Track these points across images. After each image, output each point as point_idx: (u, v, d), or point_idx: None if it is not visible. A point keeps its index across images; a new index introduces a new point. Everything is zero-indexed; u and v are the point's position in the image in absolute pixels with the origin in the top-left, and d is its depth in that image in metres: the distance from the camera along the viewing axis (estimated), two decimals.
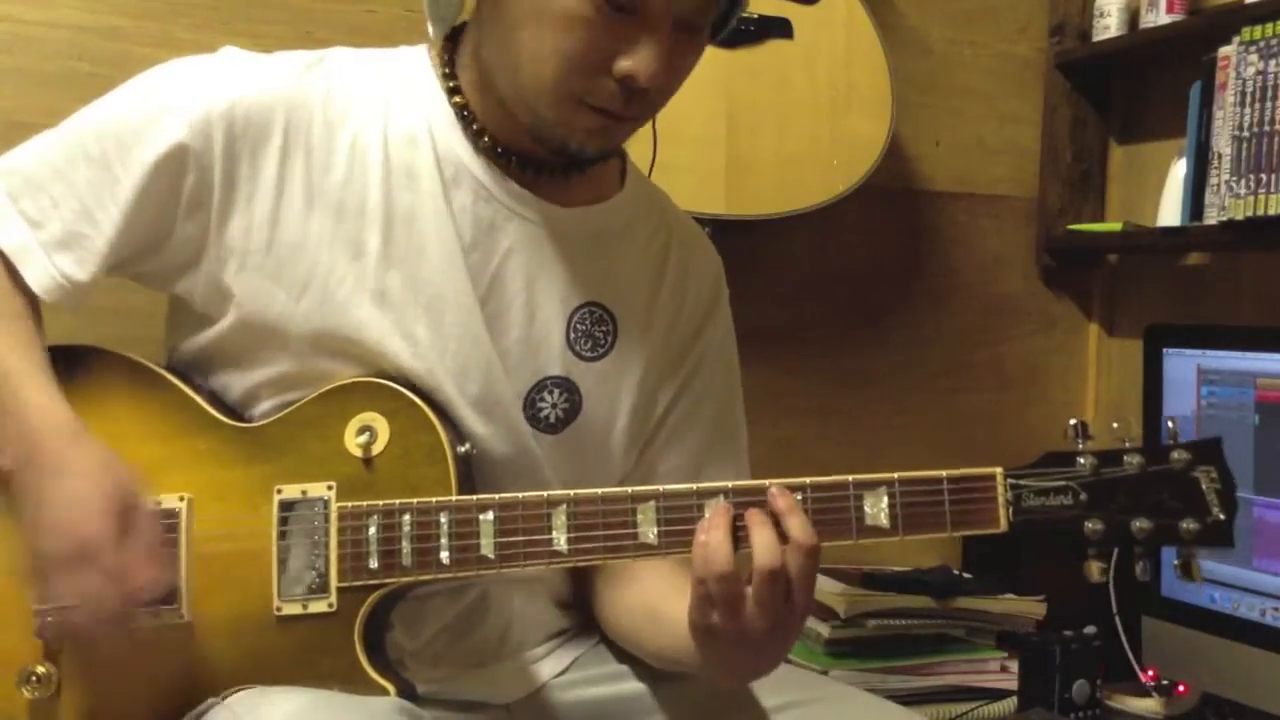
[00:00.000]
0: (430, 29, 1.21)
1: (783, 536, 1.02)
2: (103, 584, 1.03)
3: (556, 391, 1.23)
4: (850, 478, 1.06)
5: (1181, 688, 1.93)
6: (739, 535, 1.03)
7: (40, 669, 1.11)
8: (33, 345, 1.15)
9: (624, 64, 1.09)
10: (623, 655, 1.30)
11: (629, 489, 1.09)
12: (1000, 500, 1.06)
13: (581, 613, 1.36)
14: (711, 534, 1.02)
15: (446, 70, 1.21)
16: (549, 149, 1.16)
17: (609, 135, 1.16)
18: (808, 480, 1.07)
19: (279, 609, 1.10)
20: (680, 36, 1.11)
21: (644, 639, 1.23)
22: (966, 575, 2.03)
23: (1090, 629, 1.90)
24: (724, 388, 1.34)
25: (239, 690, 1.09)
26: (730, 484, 1.07)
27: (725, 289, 1.36)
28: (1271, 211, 1.82)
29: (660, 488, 1.09)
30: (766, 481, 1.06)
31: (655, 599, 1.21)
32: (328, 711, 1.05)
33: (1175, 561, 1.06)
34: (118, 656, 1.08)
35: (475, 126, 1.19)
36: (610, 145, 1.19)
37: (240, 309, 1.16)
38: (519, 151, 1.19)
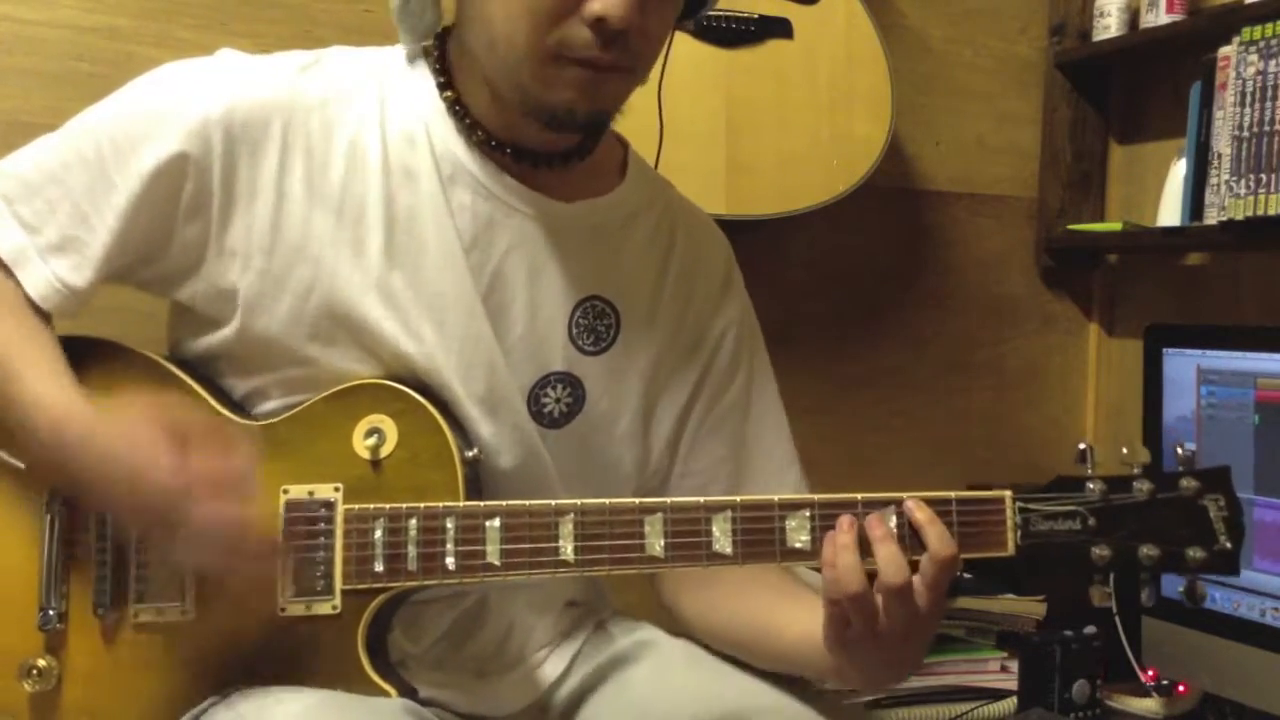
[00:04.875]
0: (402, 38, 1.21)
1: (919, 546, 1.04)
2: (211, 516, 1.01)
3: (560, 386, 1.22)
4: (859, 496, 1.06)
5: (1181, 688, 1.93)
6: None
7: (41, 662, 1.12)
8: (38, 334, 1.14)
9: (593, 6, 1.07)
10: (629, 624, 1.31)
11: (637, 500, 1.09)
12: (1009, 523, 1.06)
13: (587, 606, 1.35)
14: (841, 556, 1.03)
15: (438, 66, 1.20)
16: (542, 121, 1.14)
17: (596, 90, 1.13)
18: (815, 497, 1.07)
19: (283, 609, 1.10)
20: None
21: (759, 648, 1.22)
22: (966, 575, 2.03)
23: (1090, 629, 1.91)
24: (750, 370, 1.33)
25: (240, 690, 1.09)
26: (738, 499, 1.08)
27: (737, 273, 1.35)
28: (1271, 211, 1.82)
29: (668, 500, 1.09)
30: (775, 497, 1.07)
31: (765, 608, 1.21)
32: (334, 712, 1.05)
33: (1180, 589, 1.07)
34: (265, 566, 1.08)
35: (469, 120, 1.18)
36: (600, 103, 1.16)
37: (246, 312, 1.15)
38: (514, 143, 1.18)
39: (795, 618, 1.13)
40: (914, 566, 1.04)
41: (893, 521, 1.05)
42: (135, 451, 1.02)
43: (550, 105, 1.13)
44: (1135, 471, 1.07)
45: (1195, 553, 1.05)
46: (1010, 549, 1.06)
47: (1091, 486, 1.06)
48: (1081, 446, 1.08)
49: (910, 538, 1.05)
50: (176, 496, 1.01)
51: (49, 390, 1.09)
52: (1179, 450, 1.08)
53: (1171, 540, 1.05)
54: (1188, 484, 1.06)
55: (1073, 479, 1.07)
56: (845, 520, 1.05)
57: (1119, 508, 1.06)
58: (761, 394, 1.34)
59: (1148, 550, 1.05)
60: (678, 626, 1.31)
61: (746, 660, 1.24)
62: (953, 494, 1.06)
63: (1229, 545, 1.05)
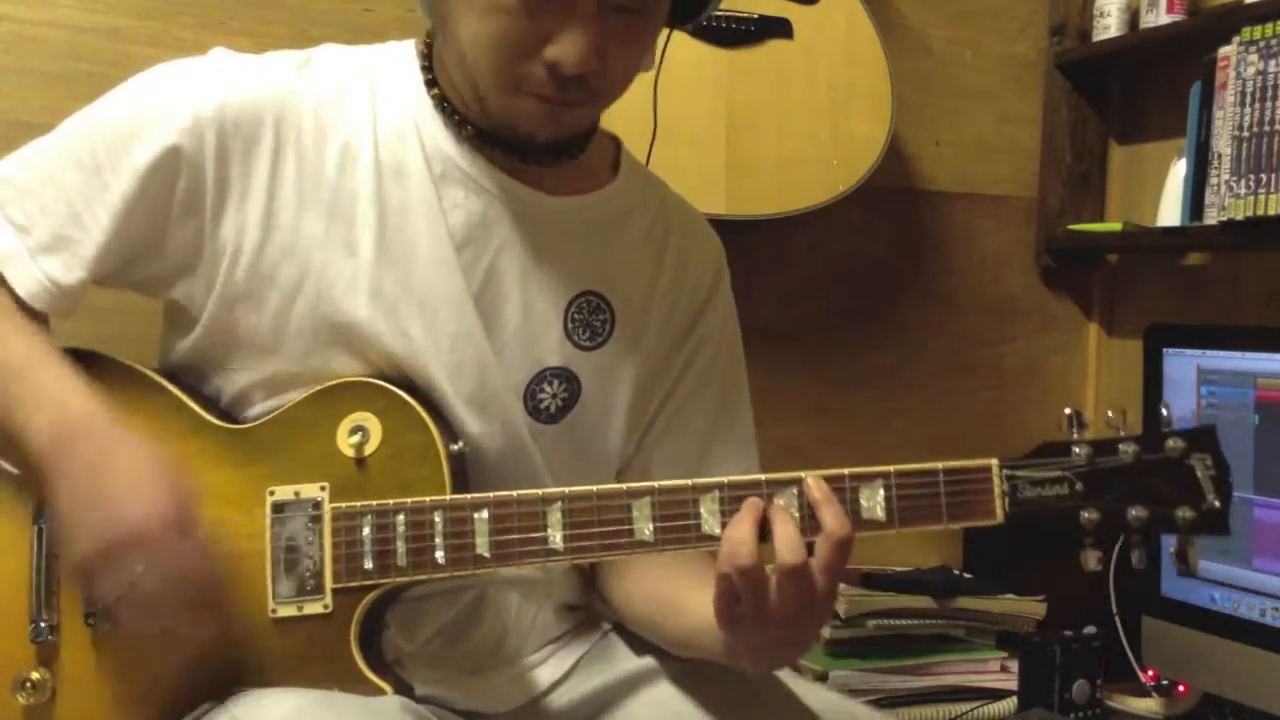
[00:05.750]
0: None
1: (815, 526, 1.02)
2: (162, 576, 1.01)
3: (556, 382, 1.23)
4: (846, 471, 1.06)
5: (1181, 688, 1.93)
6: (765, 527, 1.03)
7: (35, 675, 1.11)
8: (38, 335, 1.14)
9: (550, 52, 1.08)
10: (634, 644, 1.30)
11: (624, 485, 1.09)
12: (996, 491, 1.05)
13: (586, 612, 1.35)
14: (736, 529, 1.02)
15: (426, 63, 1.21)
16: (505, 136, 1.16)
17: (556, 121, 1.14)
18: (801, 475, 1.06)
19: (274, 611, 1.10)
20: (617, 20, 1.10)
21: (665, 626, 1.23)
22: (966, 575, 2.03)
23: (1090, 629, 1.90)
24: (725, 372, 1.33)
25: (235, 694, 1.08)
26: (725, 479, 1.07)
27: (726, 273, 1.35)
28: (1271, 211, 1.81)
29: (656, 484, 1.08)
30: (762, 475, 1.06)
31: (674, 587, 1.21)
32: (330, 711, 1.05)
33: (1172, 550, 1.06)
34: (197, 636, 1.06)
35: (456, 117, 1.18)
36: (562, 131, 1.17)
37: (234, 309, 1.15)
38: (501, 140, 1.18)
39: (702, 599, 1.11)
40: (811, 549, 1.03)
41: (795, 503, 1.04)
42: (135, 482, 1.03)
43: (514, 129, 1.14)
44: (1121, 434, 1.06)
45: (1184, 512, 1.03)
46: (999, 517, 1.05)
47: (1078, 451, 1.05)
48: (1068, 412, 1.07)
49: (809, 518, 1.03)
50: (145, 547, 1.01)
51: (62, 389, 1.09)
52: (1165, 411, 1.07)
53: (1160, 501, 1.04)
54: (1174, 444, 1.04)
55: (1059, 444, 1.06)
56: (749, 501, 1.04)
57: (1106, 470, 1.04)
58: (730, 402, 1.33)
59: (1136, 512, 1.04)
60: (604, 608, 1.32)
61: (655, 640, 1.25)
62: (939, 465, 1.05)
63: (1217, 504, 1.03)
